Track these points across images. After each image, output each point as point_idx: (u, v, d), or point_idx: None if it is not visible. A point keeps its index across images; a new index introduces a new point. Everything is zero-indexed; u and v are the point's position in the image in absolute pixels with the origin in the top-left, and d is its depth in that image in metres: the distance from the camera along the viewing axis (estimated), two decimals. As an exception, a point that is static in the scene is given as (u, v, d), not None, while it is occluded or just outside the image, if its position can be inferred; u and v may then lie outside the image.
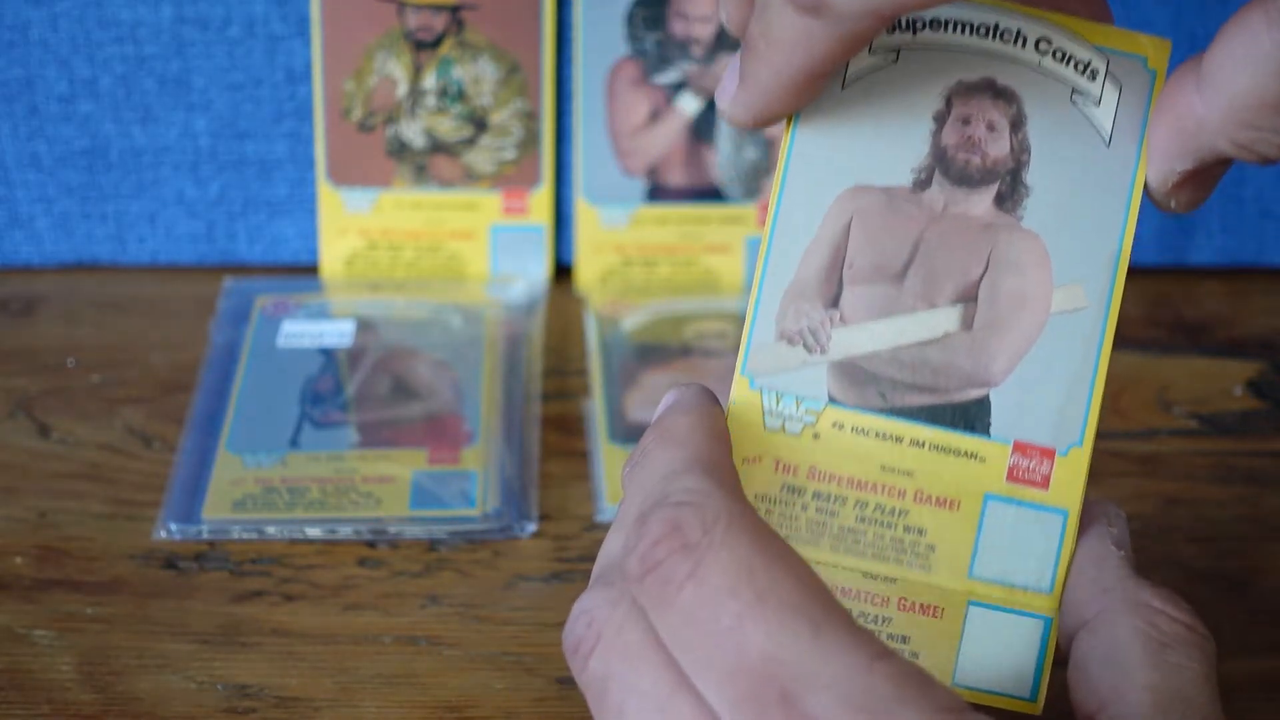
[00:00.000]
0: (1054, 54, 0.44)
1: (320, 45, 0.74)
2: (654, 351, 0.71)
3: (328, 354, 0.70)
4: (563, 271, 0.77)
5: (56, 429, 0.67)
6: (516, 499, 0.62)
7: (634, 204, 0.76)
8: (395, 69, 0.75)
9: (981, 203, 0.44)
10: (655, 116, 0.75)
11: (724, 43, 0.74)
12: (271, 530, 0.60)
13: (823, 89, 0.43)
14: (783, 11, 0.40)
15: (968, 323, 0.44)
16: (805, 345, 0.44)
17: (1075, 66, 0.44)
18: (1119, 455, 0.65)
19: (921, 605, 0.44)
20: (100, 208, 0.77)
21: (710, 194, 0.76)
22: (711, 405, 0.43)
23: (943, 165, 0.44)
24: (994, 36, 0.44)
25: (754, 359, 0.44)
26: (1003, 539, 0.44)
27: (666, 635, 0.38)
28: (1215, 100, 0.40)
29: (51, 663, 0.55)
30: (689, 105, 0.75)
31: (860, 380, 0.44)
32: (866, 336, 0.44)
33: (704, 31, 0.74)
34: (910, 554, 0.44)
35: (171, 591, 0.58)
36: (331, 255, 0.76)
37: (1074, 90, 0.44)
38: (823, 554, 0.44)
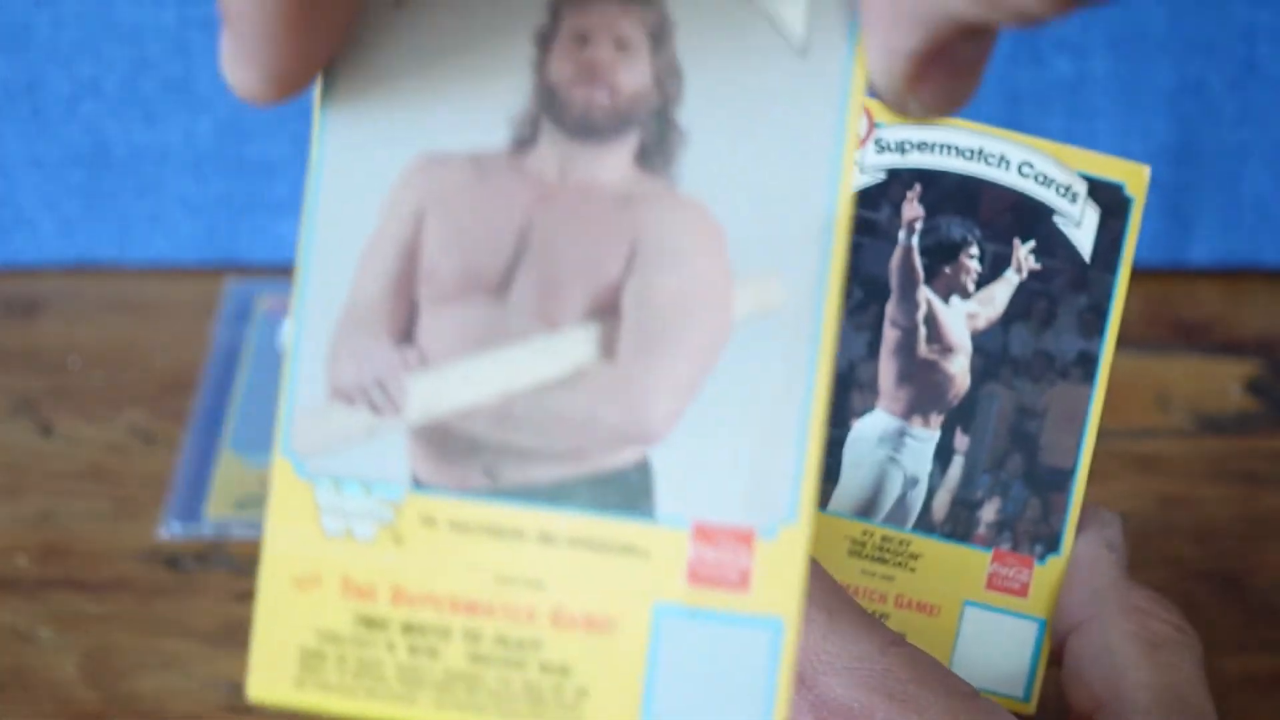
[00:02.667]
0: None
1: (322, 46, 0.74)
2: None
3: (329, 354, 0.70)
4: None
5: (59, 428, 0.67)
6: (517, 498, 0.62)
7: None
8: (397, 70, 0.74)
9: (615, 162, 0.30)
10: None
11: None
12: (273, 529, 0.60)
13: (354, 10, 0.30)
14: None
15: (608, 349, 0.30)
16: (371, 404, 0.31)
17: None
18: (1117, 455, 0.65)
19: (918, 604, 0.43)
20: (103, 208, 0.77)
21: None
22: None
23: (552, 110, 0.30)
24: None
25: (299, 432, 0.31)
26: (694, 670, 0.30)
27: None
28: None
29: (54, 661, 0.55)
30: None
31: (457, 451, 0.31)
32: (460, 382, 0.31)
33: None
34: (554, 704, 0.30)
35: (174, 590, 0.58)
36: (333, 255, 0.76)
37: None
38: (425, 713, 0.30)
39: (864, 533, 0.44)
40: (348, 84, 0.30)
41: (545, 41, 0.30)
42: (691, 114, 0.30)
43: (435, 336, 0.31)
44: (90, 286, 0.77)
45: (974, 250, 0.44)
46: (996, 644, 0.43)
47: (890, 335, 0.44)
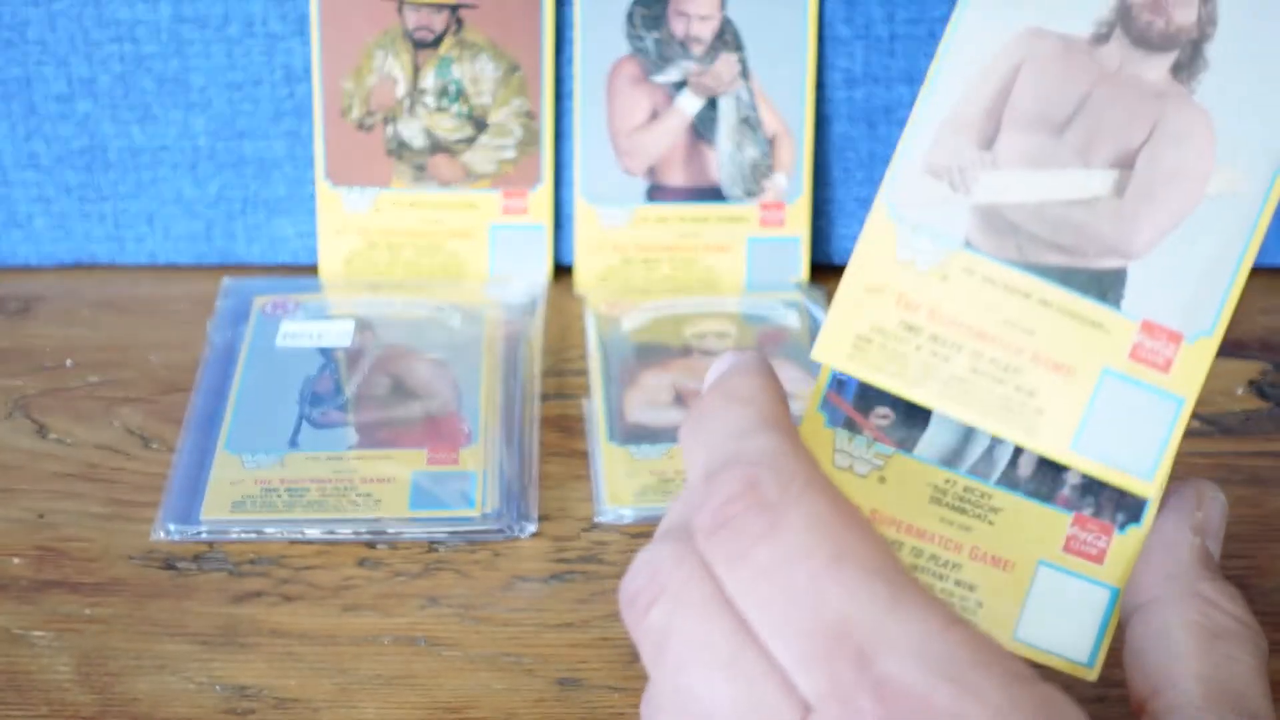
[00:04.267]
0: None
1: (319, 44, 0.74)
2: (654, 351, 0.71)
3: (327, 354, 0.70)
4: (562, 271, 0.77)
5: (54, 429, 0.66)
6: (516, 499, 0.62)
7: (634, 203, 0.76)
8: (394, 68, 0.74)
9: (1157, 68, 0.43)
10: (655, 116, 0.75)
11: (724, 41, 0.74)
12: (270, 531, 0.60)
13: None
14: None
15: (1120, 189, 0.43)
16: (951, 183, 0.43)
17: None
18: (1120, 455, 0.65)
19: (993, 558, 0.43)
20: (98, 207, 0.77)
21: (710, 193, 0.76)
22: (771, 369, 0.42)
23: (1125, 22, 0.43)
24: None
25: (897, 188, 0.43)
26: (1113, 416, 0.42)
27: (737, 591, 0.37)
28: None
29: (50, 664, 0.54)
30: (689, 104, 0.75)
31: (1000, 229, 0.42)
32: (1016, 184, 0.42)
33: (704, 30, 0.74)
34: (1016, 415, 0.42)
35: (170, 592, 0.58)
36: (330, 255, 0.76)
37: None
38: (928, 397, 0.42)
39: (947, 481, 0.44)
40: None
41: None
42: (1216, 50, 0.43)
43: (1006, 150, 0.43)
44: (85, 286, 0.77)
45: None
46: (1067, 607, 0.43)
47: None
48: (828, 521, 0.37)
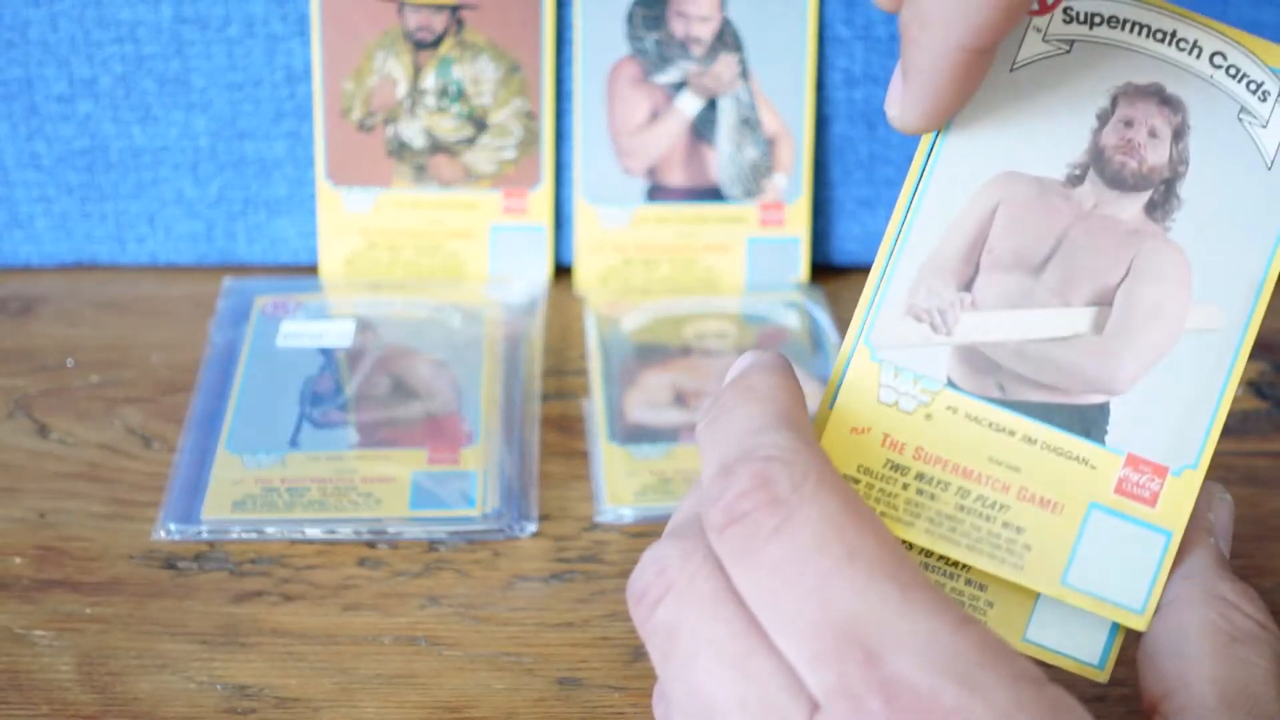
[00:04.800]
0: (1228, 69, 0.44)
1: (320, 45, 0.74)
2: (654, 351, 0.71)
3: (327, 354, 0.70)
4: (563, 271, 0.77)
5: (56, 429, 0.66)
6: (516, 499, 0.62)
7: (634, 204, 0.76)
8: (395, 69, 0.74)
9: (1132, 208, 0.43)
10: (655, 116, 0.75)
11: (724, 42, 0.74)
12: (271, 530, 0.60)
13: (986, 71, 0.42)
14: None
15: (1099, 326, 0.43)
16: (932, 324, 0.43)
17: (1248, 85, 0.44)
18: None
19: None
20: (100, 207, 0.77)
21: (710, 194, 0.76)
22: (790, 368, 0.42)
23: (1099, 164, 0.44)
24: (1170, 43, 0.44)
25: (878, 330, 0.43)
26: (1101, 551, 0.42)
27: (746, 588, 0.37)
28: None
29: (51, 663, 0.54)
30: (689, 105, 0.75)
31: (981, 368, 0.43)
32: (996, 325, 0.43)
33: (704, 31, 0.74)
34: (1005, 551, 0.42)
35: (171, 592, 0.58)
36: (331, 255, 0.76)
37: (1243, 109, 0.44)
38: (917, 536, 0.43)
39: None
40: (964, 116, 0.43)
41: (1103, 119, 0.44)
42: (1189, 189, 0.43)
43: (985, 291, 0.43)
44: (87, 286, 0.77)
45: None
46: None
47: None
48: (839, 520, 0.37)
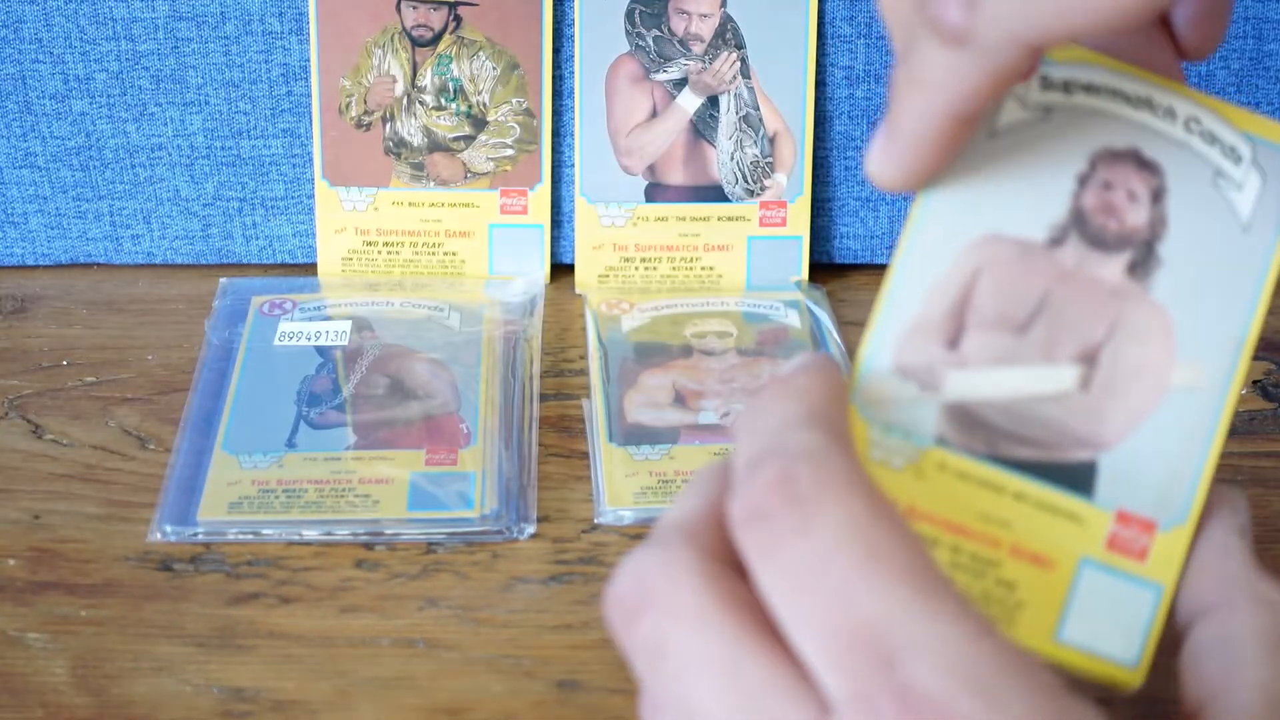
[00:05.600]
0: (1202, 134, 0.44)
1: (317, 42, 0.73)
2: (654, 351, 0.71)
3: (324, 354, 0.69)
4: (562, 270, 0.77)
5: (50, 430, 0.66)
6: (515, 500, 0.62)
7: (633, 202, 0.75)
8: (393, 66, 0.74)
9: (1113, 268, 0.44)
10: (655, 114, 0.75)
11: (725, 39, 0.74)
12: (268, 532, 0.60)
13: (969, 137, 0.43)
14: (928, 48, 0.39)
15: (1085, 384, 0.43)
16: (919, 382, 0.43)
17: (1221, 149, 0.44)
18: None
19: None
20: (95, 206, 0.76)
21: (710, 192, 0.75)
22: (836, 370, 0.42)
23: (1080, 226, 0.44)
24: (1146, 109, 0.44)
25: (865, 389, 0.43)
26: (1094, 606, 0.42)
27: (766, 584, 0.37)
28: None
29: (45, 666, 0.54)
30: (689, 103, 0.74)
31: (970, 425, 0.43)
32: (983, 382, 0.43)
33: (704, 28, 0.74)
34: (998, 608, 0.42)
35: (167, 594, 0.57)
36: (328, 254, 0.76)
37: (1217, 172, 0.44)
38: None
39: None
40: (946, 179, 0.44)
41: (1083, 181, 0.44)
42: (1168, 249, 0.44)
43: (971, 350, 0.43)
44: (82, 286, 0.76)
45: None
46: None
47: None
48: (862, 521, 0.37)
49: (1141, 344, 0.43)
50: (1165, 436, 0.43)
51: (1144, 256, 0.44)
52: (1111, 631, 0.43)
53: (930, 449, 0.43)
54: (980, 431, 0.43)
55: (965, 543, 0.43)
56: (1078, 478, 0.43)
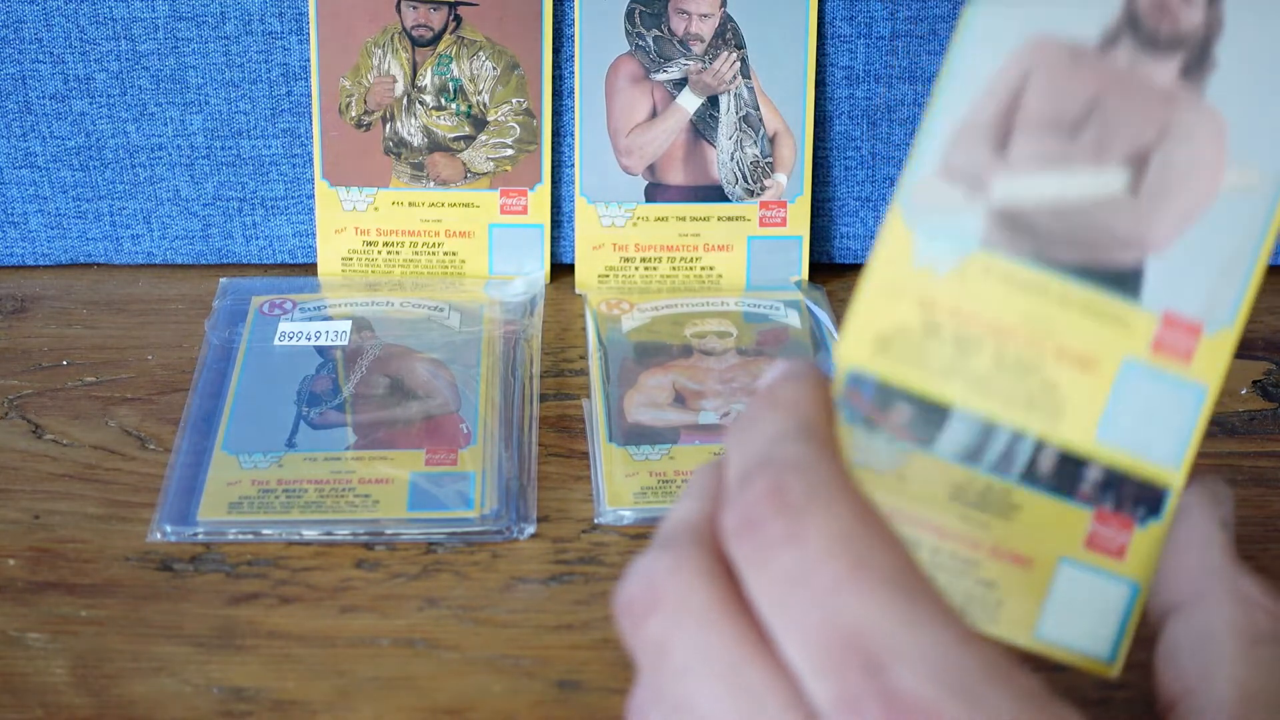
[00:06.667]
0: None
1: (317, 42, 0.73)
2: (654, 351, 0.71)
3: (324, 354, 0.69)
4: (562, 270, 0.77)
5: (50, 430, 0.66)
6: (515, 500, 0.62)
7: (633, 202, 0.75)
8: (393, 66, 0.74)
9: (1166, 70, 0.43)
10: (655, 114, 0.75)
11: (725, 39, 0.74)
12: (268, 532, 0.60)
13: None
14: None
15: (1135, 187, 0.43)
16: (967, 186, 0.43)
17: None
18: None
19: (1013, 555, 0.43)
20: (95, 206, 0.76)
21: (710, 192, 0.75)
22: (821, 377, 0.42)
23: (1133, 26, 0.43)
24: None
25: (914, 193, 0.43)
26: (1136, 407, 0.43)
27: (756, 593, 0.37)
28: None
29: (45, 666, 0.54)
30: (689, 103, 0.74)
31: (1017, 228, 0.43)
32: (1031, 185, 0.43)
33: (704, 28, 0.74)
34: (1041, 409, 0.43)
35: (166, 594, 0.57)
36: (328, 254, 0.76)
37: None
38: (953, 393, 0.43)
39: (967, 478, 0.44)
40: None
41: None
42: (1224, 51, 0.43)
43: (1020, 153, 0.43)
44: (82, 286, 0.76)
45: None
46: (1088, 604, 0.43)
47: None
48: (850, 530, 0.37)
49: (1192, 147, 0.43)
50: (1216, 238, 0.43)
51: (1198, 59, 0.43)
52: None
53: (976, 253, 0.43)
54: (1027, 235, 0.43)
55: (1010, 345, 0.43)
56: (1124, 281, 0.43)
